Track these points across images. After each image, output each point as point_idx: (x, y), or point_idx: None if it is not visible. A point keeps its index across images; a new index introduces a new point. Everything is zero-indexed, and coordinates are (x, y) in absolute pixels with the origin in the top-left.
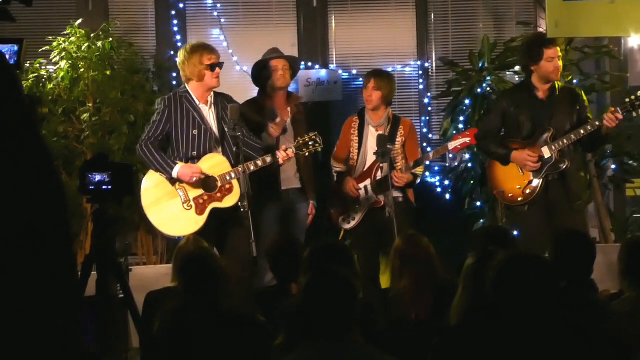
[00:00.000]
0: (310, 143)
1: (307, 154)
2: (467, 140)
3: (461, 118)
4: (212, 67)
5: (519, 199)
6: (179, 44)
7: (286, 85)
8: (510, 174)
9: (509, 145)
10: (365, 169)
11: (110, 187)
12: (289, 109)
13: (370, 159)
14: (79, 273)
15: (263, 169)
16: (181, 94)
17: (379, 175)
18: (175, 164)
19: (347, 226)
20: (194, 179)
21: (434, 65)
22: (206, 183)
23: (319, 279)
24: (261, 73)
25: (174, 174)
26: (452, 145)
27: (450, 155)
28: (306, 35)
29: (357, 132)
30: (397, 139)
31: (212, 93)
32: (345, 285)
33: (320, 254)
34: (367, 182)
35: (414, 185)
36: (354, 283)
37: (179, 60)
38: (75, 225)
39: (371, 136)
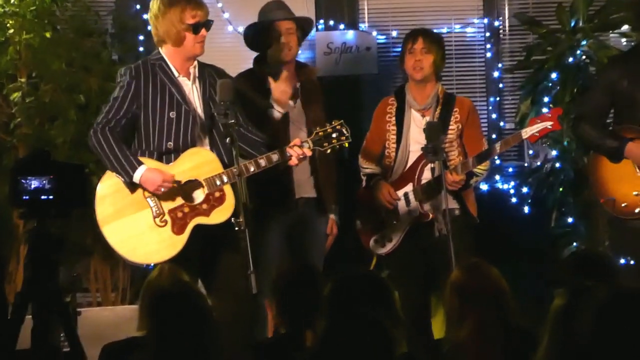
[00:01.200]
0: (334, 135)
1: (328, 150)
2: (549, 124)
3: (545, 99)
4: (195, 28)
5: (636, 210)
6: None
7: (291, 57)
8: (622, 174)
9: (620, 134)
10: (405, 169)
11: (52, 196)
12: (299, 86)
13: (413, 155)
14: (8, 317)
15: (266, 171)
16: (153, 61)
17: (426, 177)
18: (140, 163)
19: (382, 250)
20: (162, 189)
21: (507, 24)
22: (187, 190)
23: (343, 325)
24: (258, 37)
25: (136, 177)
26: (527, 132)
27: (530, 152)
28: None
29: (394, 118)
30: (451, 127)
31: (196, 63)
32: (379, 333)
33: (345, 290)
34: (409, 188)
35: (466, 187)
36: (392, 331)
37: (150, 12)
38: (1, 248)
39: (414, 124)
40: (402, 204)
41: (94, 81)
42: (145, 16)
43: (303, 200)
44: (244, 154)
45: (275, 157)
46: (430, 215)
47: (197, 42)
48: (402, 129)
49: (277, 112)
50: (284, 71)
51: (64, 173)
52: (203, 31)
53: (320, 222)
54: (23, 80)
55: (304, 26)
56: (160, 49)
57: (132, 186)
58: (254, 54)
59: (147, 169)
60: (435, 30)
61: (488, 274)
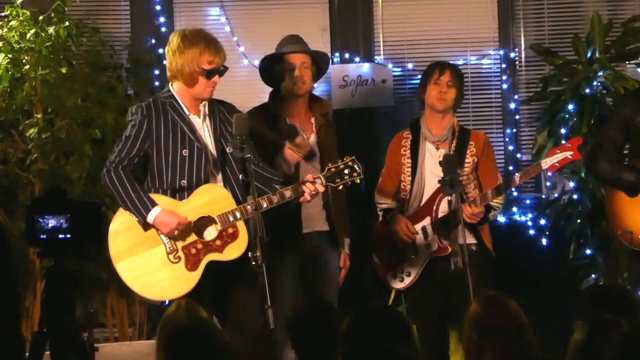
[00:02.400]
0: (346, 172)
1: (340, 186)
2: (569, 154)
3: (562, 130)
4: (209, 74)
5: None
6: (163, 29)
7: (305, 92)
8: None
9: (637, 168)
10: (422, 202)
11: (69, 235)
12: (313, 120)
13: (429, 188)
14: (26, 354)
15: (278, 206)
16: (164, 99)
17: (443, 210)
18: (154, 204)
19: (400, 285)
20: (176, 232)
21: (523, 55)
22: (200, 226)
23: None
24: (273, 70)
25: (149, 218)
26: (547, 162)
27: (548, 184)
28: (342, 15)
29: (409, 151)
30: (467, 160)
31: (206, 101)
32: None
33: (363, 325)
34: (427, 222)
35: (485, 221)
36: None
37: (168, 45)
38: (17, 285)
39: (429, 156)
40: (420, 237)
41: (110, 116)
42: (160, 51)
43: (315, 234)
44: (257, 191)
45: (288, 193)
46: (448, 249)
47: (208, 87)
48: (417, 161)
49: (289, 151)
50: (299, 102)
51: (80, 211)
52: (216, 78)
53: (333, 256)
54: (39, 116)
55: (319, 61)
56: (171, 84)
57: (142, 224)
58: (269, 89)
59: (161, 211)
60: (451, 62)
61: (507, 306)
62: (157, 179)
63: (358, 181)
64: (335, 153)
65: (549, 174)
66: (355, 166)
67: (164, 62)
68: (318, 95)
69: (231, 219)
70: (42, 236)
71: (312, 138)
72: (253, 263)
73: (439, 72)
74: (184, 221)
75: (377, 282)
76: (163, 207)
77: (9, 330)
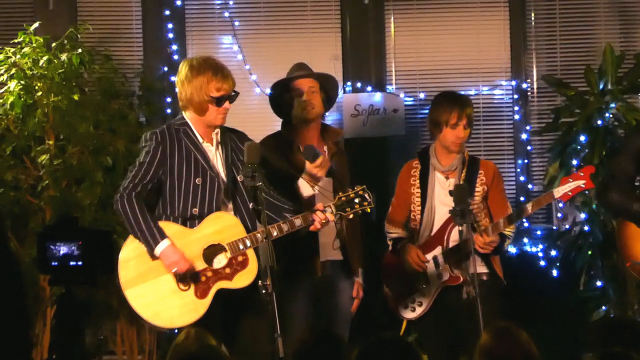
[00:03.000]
0: (356, 201)
1: (351, 215)
2: (582, 183)
3: (574, 161)
4: (218, 101)
5: None
6: (175, 57)
7: (315, 116)
8: None
9: None
10: (432, 232)
11: (80, 262)
12: (325, 148)
13: (440, 218)
14: None
15: (292, 233)
16: (177, 126)
17: (454, 239)
18: (163, 237)
19: (412, 315)
20: (174, 269)
21: (535, 86)
22: (210, 254)
23: None
24: (282, 98)
25: (157, 251)
26: (559, 191)
27: (559, 215)
28: (354, 44)
29: (418, 181)
30: (477, 189)
31: (218, 129)
32: None
33: (373, 356)
34: (438, 251)
35: (501, 251)
36: None
37: (178, 75)
38: (28, 312)
39: (439, 186)
40: (431, 267)
41: (121, 143)
42: (172, 78)
43: (329, 263)
44: (267, 219)
45: (298, 222)
46: (461, 278)
47: (219, 114)
48: (427, 191)
49: (311, 171)
50: (310, 129)
51: (91, 239)
52: (226, 104)
53: (346, 286)
54: (51, 142)
55: (326, 85)
56: (184, 113)
57: (149, 254)
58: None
59: (168, 246)
60: (463, 93)
61: (517, 337)
62: (168, 206)
63: (369, 210)
64: (347, 181)
65: (560, 205)
66: (366, 195)
67: (176, 89)
68: (330, 124)
69: (241, 246)
70: (53, 263)
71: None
72: (263, 292)
73: (458, 115)
74: (186, 265)
75: (388, 312)
76: (172, 236)
77: (20, 358)
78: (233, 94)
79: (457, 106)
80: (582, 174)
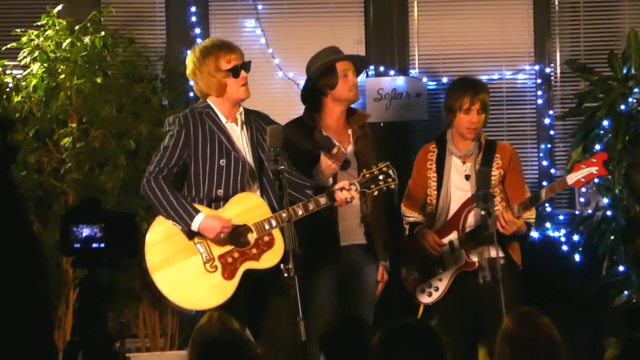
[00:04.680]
0: (380, 177)
1: (375, 192)
2: (594, 170)
3: (597, 146)
4: (234, 72)
5: None
6: (199, 41)
7: (358, 98)
8: None
9: None
10: (448, 216)
11: (102, 244)
12: (350, 132)
13: (455, 202)
14: None
15: (314, 215)
16: (201, 109)
17: (470, 224)
18: (197, 211)
19: (428, 299)
20: (222, 235)
21: (559, 71)
22: (236, 235)
23: None
24: (324, 78)
25: (194, 226)
26: (572, 178)
27: (582, 200)
28: (377, 28)
29: (435, 165)
30: (493, 173)
31: (242, 109)
32: None
33: (395, 340)
34: (454, 236)
35: (527, 239)
36: None
37: (187, 70)
38: (50, 295)
39: (455, 171)
40: (447, 252)
41: (144, 127)
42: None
43: (354, 247)
44: (290, 198)
45: (323, 200)
46: (476, 263)
47: (241, 86)
48: (443, 176)
49: (325, 163)
50: (338, 114)
51: (114, 222)
52: (243, 73)
53: (371, 269)
54: (74, 125)
55: (359, 69)
56: (207, 100)
57: (185, 233)
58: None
59: (205, 217)
60: (485, 77)
61: (540, 323)
62: (193, 188)
63: (393, 186)
64: (373, 164)
65: (583, 189)
66: (390, 172)
67: (191, 83)
68: (355, 108)
69: (267, 227)
70: (76, 245)
71: (350, 149)
72: (285, 275)
73: (470, 100)
74: (228, 224)
75: (405, 296)
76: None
77: (42, 340)
78: (246, 62)
79: (469, 91)
80: (594, 161)
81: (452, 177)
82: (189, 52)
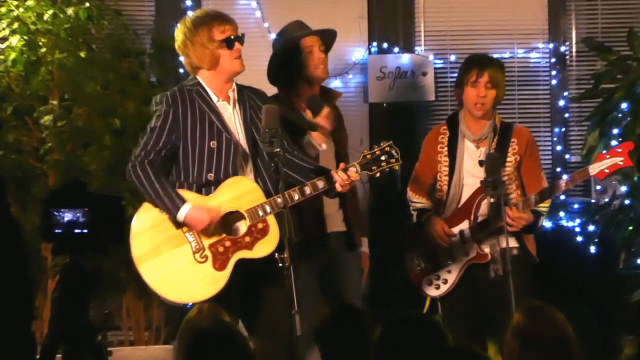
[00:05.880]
0: (383, 158)
1: (377, 174)
2: (619, 160)
3: (615, 130)
4: (228, 43)
5: None
6: (189, 13)
7: (327, 75)
8: None
9: None
10: (460, 204)
11: (86, 230)
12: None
13: (468, 189)
14: (37, 357)
15: (297, 204)
16: (190, 87)
17: (483, 213)
18: (183, 201)
19: (436, 292)
20: (208, 225)
21: (574, 49)
22: (228, 222)
23: None
24: (291, 57)
25: (180, 216)
26: (595, 168)
27: (598, 188)
28: (381, 2)
29: (446, 149)
30: (509, 159)
31: (234, 85)
32: None
33: (398, 334)
34: (465, 225)
35: (535, 230)
36: None
37: (176, 42)
38: (30, 284)
39: (468, 155)
40: (457, 242)
41: (131, 104)
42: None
43: (334, 235)
44: (290, 180)
45: (321, 183)
46: (488, 255)
47: (235, 58)
48: (455, 161)
49: (317, 144)
50: (311, 92)
51: (99, 206)
52: (237, 45)
53: (353, 257)
54: (55, 102)
55: (328, 44)
56: (196, 76)
57: (173, 220)
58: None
59: (191, 208)
60: (497, 56)
61: (552, 318)
62: (182, 172)
63: (397, 168)
64: (346, 145)
65: None
66: (393, 151)
67: (181, 58)
68: (348, 88)
69: (261, 213)
70: (57, 230)
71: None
72: (280, 265)
73: (477, 72)
74: (216, 216)
75: (409, 288)
76: (192, 203)
77: (20, 330)
78: (240, 35)
79: (476, 64)
80: (619, 150)
81: (465, 162)
82: (178, 25)
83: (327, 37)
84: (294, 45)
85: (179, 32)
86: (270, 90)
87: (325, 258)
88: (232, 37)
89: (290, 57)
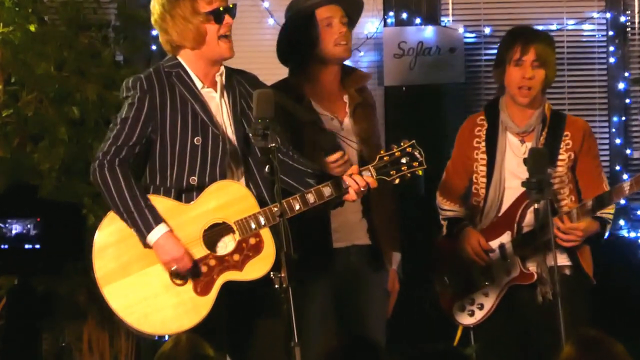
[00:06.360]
0: (403, 161)
1: (397, 180)
2: None
3: None
4: (216, 17)
5: None
6: None
7: (350, 54)
8: None
9: None
10: (500, 212)
11: (38, 245)
12: (346, 98)
13: (510, 194)
14: None
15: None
16: (169, 69)
17: (529, 223)
18: (159, 221)
19: (470, 320)
20: (173, 268)
21: (637, 20)
22: (213, 236)
23: None
24: (300, 35)
25: (150, 239)
26: None
27: None
28: None
29: (484, 143)
30: (561, 156)
31: (223, 69)
32: None
33: None
34: (506, 238)
35: (600, 242)
36: None
37: (153, 16)
38: None
39: (511, 152)
40: (496, 258)
41: (92, 89)
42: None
43: (355, 249)
44: (285, 187)
45: (327, 190)
46: (535, 276)
47: (222, 38)
48: (495, 159)
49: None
50: (330, 73)
51: (53, 215)
52: (227, 19)
53: (378, 277)
54: None
55: (351, 15)
56: (176, 56)
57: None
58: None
59: (165, 235)
60: (542, 28)
61: (610, 350)
62: (158, 174)
63: (420, 173)
64: (378, 142)
65: None
66: (416, 153)
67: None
68: (360, 67)
69: (253, 225)
70: (3, 246)
71: (347, 122)
72: (276, 286)
73: (521, 48)
74: (187, 263)
75: (439, 314)
76: (164, 214)
77: None
78: (231, 5)
79: (520, 38)
80: None
81: (506, 160)
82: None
83: (351, 7)
84: (307, 16)
85: (156, 3)
86: (266, 71)
87: (344, 276)
88: (222, 8)
89: (301, 31)
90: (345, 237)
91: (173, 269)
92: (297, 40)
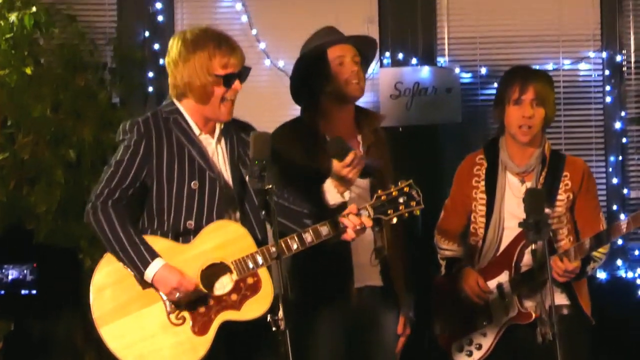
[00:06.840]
0: (401, 200)
1: (394, 219)
2: None
3: None
4: (226, 81)
5: None
6: (160, 18)
7: (362, 93)
8: None
9: None
10: (499, 252)
11: (34, 291)
12: (359, 138)
13: (509, 234)
14: None
15: (317, 248)
16: (166, 114)
17: (527, 263)
18: (154, 256)
19: None
20: (177, 295)
21: (633, 59)
22: (211, 276)
23: None
24: (312, 73)
25: (148, 275)
26: None
27: None
28: (395, 4)
29: (483, 183)
30: (560, 197)
31: None
32: None
33: None
34: (504, 278)
35: (582, 277)
36: None
37: (168, 56)
38: None
39: (510, 191)
40: (495, 298)
41: (88, 131)
42: (156, 46)
43: (367, 290)
44: (282, 229)
45: (324, 230)
46: (533, 315)
47: (225, 101)
48: (495, 198)
49: (337, 192)
50: (344, 113)
51: (50, 260)
52: (236, 84)
53: (390, 319)
54: None
55: (365, 54)
56: (175, 101)
57: (138, 279)
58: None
59: (162, 267)
60: (538, 68)
61: None
62: (155, 218)
63: (417, 212)
64: (390, 179)
65: None
66: (414, 193)
67: (161, 62)
68: (365, 107)
69: (251, 265)
70: None
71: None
72: (274, 329)
73: (520, 88)
74: (192, 284)
75: (438, 354)
76: (160, 254)
77: None
78: (243, 69)
79: (519, 77)
80: None
81: (506, 200)
82: (146, 33)
83: (364, 45)
84: (319, 55)
85: (174, 46)
86: (263, 113)
87: (356, 317)
88: (234, 73)
89: (313, 69)
90: (359, 277)
91: (177, 296)
92: (309, 78)
